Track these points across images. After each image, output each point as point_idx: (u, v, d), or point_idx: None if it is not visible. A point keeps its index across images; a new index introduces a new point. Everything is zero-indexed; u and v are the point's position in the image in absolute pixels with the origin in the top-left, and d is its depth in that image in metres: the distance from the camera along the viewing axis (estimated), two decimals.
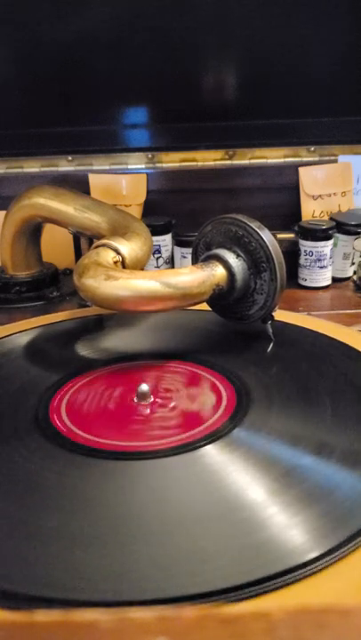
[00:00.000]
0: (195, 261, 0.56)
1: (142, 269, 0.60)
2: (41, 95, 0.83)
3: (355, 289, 0.75)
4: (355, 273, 0.77)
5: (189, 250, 0.58)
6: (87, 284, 0.49)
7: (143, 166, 0.84)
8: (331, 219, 0.77)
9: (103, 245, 0.55)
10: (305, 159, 0.84)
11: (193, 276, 0.50)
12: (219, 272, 0.51)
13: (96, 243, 0.57)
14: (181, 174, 0.83)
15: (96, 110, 0.83)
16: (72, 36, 0.79)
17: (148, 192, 0.81)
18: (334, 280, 0.77)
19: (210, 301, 0.54)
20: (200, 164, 0.84)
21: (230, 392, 0.46)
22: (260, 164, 0.84)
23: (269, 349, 0.53)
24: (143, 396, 0.45)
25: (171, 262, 0.79)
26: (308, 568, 0.29)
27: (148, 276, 0.49)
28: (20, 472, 0.38)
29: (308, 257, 0.74)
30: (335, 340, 0.54)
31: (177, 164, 0.84)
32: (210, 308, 0.57)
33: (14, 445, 0.40)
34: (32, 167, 0.83)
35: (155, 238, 0.75)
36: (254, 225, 0.51)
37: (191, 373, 0.49)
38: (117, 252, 0.55)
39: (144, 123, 0.85)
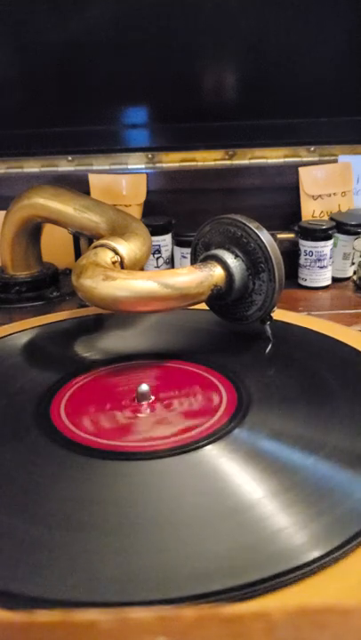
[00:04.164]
0: (193, 262, 0.56)
1: (142, 269, 0.60)
2: (41, 95, 0.83)
3: (355, 289, 0.75)
4: (355, 273, 0.77)
5: (189, 250, 0.58)
6: (85, 285, 0.49)
7: (143, 166, 0.84)
8: (331, 219, 0.77)
9: (102, 246, 0.55)
10: (305, 159, 0.84)
11: (191, 277, 0.50)
12: (217, 272, 0.51)
13: (95, 243, 0.57)
14: (181, 174, 0.83)
15: (96, 110, 0.83)
16: (72, 36, 0.79)
17: (148, 192, 0.81)
18: (334, 280, 0.77)
19: (208, 302, 0.54)
20: (200, 163, 0.84)
21: (230, 392, 0.46)
22: (260, 164, 0.84)
23: (269, 349, 0.53)
24: (143, 396, 0.45)
25: (171, 262, 0.79)
26: (309, 568, 0.29)
27: (146, 277, 0.49)
28: (20, 472, 0.38)
29: (308, 257, 0.74)
30: (335, 339, 0.54)
31: (177, 164, 0.84)
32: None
33: (14, 445, 0.40)
34: (32, 167, 0.83)
35: (155, 238, 0.75)
36: (253, 225, 0.51)
37: (191, 373, 0.49)
38: (116, 253, 0.55)
39: (144, 123, 0.85)
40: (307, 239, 0.74)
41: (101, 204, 0.67)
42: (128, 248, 0.56)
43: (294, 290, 0.75)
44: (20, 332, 0.58)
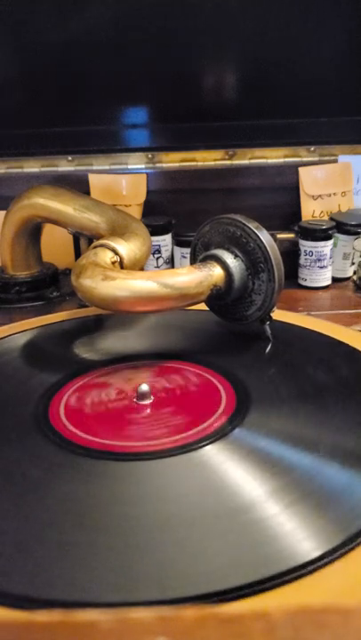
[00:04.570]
0: (193, 261, 0.56)
1: (141, 269, 0.60)
2: (41, 95, 0.83)
3: (355, 289, 0.75)
4: (355, 273, 0.77)
5: (189, 250, 0.58)
6: (85, 285, 0.49)
7: (143, 166, 0.84)
8: (331, 219, 0.77)
9: (101, 246, 0.55)
10: (305, 159, 0.84)
11: (190, 277, 0.50)
12: (216, 272, 0.51)
13: (94, 243, 0.57)
14: (181, 174, 0.83)
15: (96, 110, 0.83)
16: (72, 35, 0.79)
17: (148, 192, 0.81)
18: (334, 280, 0.77)
19: (208, 302, 0.54)
20: (200, 163, 0.84)
21: (230, 392, 0.46)
22: (260, 164, 0.84)
23: (268, 349, 0.53)
24: (143, 396, 0.45)
25: (171, 262, 0.79)
26: (309, 568, 0.29)
27: (146, 277, 0.49)
28: (20, 472, 0.38)
29: (308, 257, 0.74)
30: (335, 339, 0.54)
31: (177, 164, 0.84)
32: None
33: (14, 446, 0.40)
34: (32, 167, 0.83)
35: (155, 238, 0.75)
36: (252, 225, 0.51)
37: (191, 373, 0.49)
38: (115, 253, 0.55)
39: (144, 123, 0.85)
40: (307, 239, 0.74)
41: (101, 204, 0.67)
42: (128, 248, 0.56)
43: (294, 290, 0.75)
44: (20, 332, 0.58)
